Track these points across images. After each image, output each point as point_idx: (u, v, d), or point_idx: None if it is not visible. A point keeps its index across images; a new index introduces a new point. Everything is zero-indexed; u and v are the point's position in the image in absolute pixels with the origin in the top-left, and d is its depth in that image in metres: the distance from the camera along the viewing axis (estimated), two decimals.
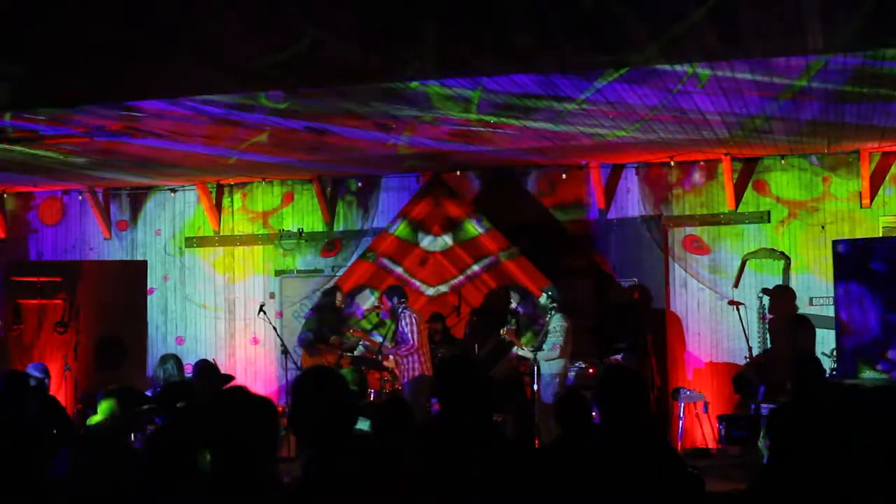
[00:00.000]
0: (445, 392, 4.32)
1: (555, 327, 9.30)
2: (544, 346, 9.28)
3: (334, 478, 3.24)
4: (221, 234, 12.02)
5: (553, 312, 9.40)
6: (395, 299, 9.72)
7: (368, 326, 10.83)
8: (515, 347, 9.77)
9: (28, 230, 12.56)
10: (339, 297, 10.55)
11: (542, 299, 9.64)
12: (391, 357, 9.70)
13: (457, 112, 7.56)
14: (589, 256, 10.90)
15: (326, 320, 10.42)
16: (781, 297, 10.36)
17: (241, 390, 3.24)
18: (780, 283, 10.40)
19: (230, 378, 7.62)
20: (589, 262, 10.88)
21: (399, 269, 10.84)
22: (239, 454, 3.06)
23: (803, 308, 10.32)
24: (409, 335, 9.45)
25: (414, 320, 9.53)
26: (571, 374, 9.69)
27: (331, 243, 11.69)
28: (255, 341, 11.77)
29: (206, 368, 7.77)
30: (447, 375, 4.37)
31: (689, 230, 10.74)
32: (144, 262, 11.84)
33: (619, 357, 9.87)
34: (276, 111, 7.51)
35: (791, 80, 6.74)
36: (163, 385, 7.08)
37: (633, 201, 10.89)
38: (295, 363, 10.40)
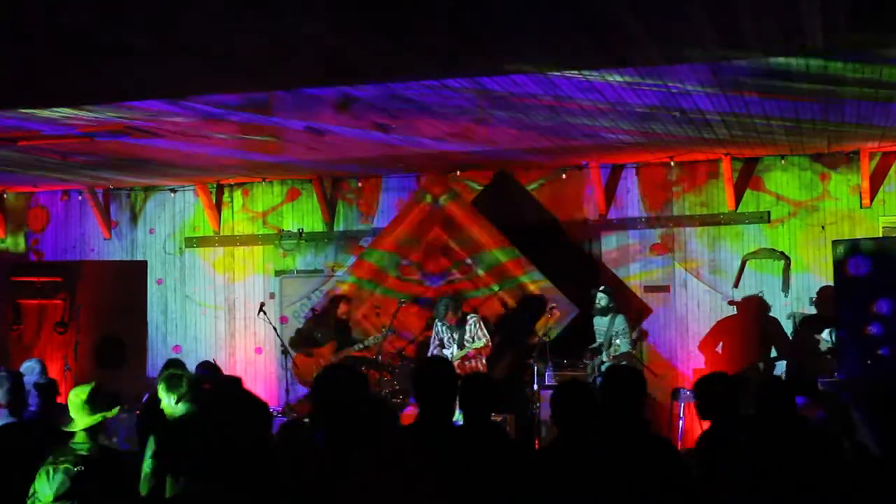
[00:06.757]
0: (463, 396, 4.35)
1: (624, 329, 9.74)
2: (621, 346, 9.71)
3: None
4: (221, 234, 12.02)
5: (614, 314, 9.80)
6: (459, 310, 9.91)
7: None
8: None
9: (27, 230, 12.57)
10: (342, 307, 10.57)
11: (604, 301, 9.84)
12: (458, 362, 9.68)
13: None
14: (589, 256, 10.90)
15: (323, 326, 10.46)
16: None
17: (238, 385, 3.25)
18: (781, 283, 10.41)
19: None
20: (589, 261, 10.88)
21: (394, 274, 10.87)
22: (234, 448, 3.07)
23: (802, 308, 10.32)
24: (484, 336, 9.81)
25: (482, 323, 9.91)
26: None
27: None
28: (259, 351, 11.76)
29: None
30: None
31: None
32: (144, 262, 11.85)
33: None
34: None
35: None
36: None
37: (633, 201, 10.88)
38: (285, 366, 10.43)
